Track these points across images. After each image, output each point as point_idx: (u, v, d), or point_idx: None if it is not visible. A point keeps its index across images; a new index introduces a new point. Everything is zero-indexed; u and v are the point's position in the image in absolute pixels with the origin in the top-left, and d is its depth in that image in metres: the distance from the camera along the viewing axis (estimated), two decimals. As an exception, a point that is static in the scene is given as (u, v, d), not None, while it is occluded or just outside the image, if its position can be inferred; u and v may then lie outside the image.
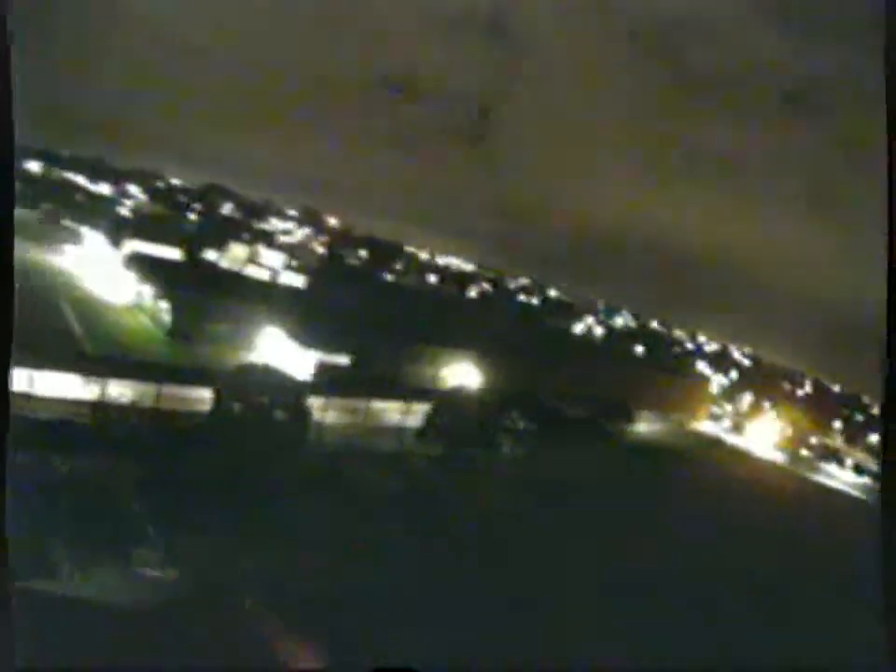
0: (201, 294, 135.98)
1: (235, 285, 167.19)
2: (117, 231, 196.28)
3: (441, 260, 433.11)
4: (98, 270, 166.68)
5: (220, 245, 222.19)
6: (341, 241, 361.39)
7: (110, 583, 56.68)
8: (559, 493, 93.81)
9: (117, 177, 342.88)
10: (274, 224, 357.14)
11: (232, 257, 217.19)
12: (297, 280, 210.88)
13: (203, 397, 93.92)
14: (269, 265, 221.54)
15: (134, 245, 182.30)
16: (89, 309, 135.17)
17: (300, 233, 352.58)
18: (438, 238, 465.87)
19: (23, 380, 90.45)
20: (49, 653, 36.28)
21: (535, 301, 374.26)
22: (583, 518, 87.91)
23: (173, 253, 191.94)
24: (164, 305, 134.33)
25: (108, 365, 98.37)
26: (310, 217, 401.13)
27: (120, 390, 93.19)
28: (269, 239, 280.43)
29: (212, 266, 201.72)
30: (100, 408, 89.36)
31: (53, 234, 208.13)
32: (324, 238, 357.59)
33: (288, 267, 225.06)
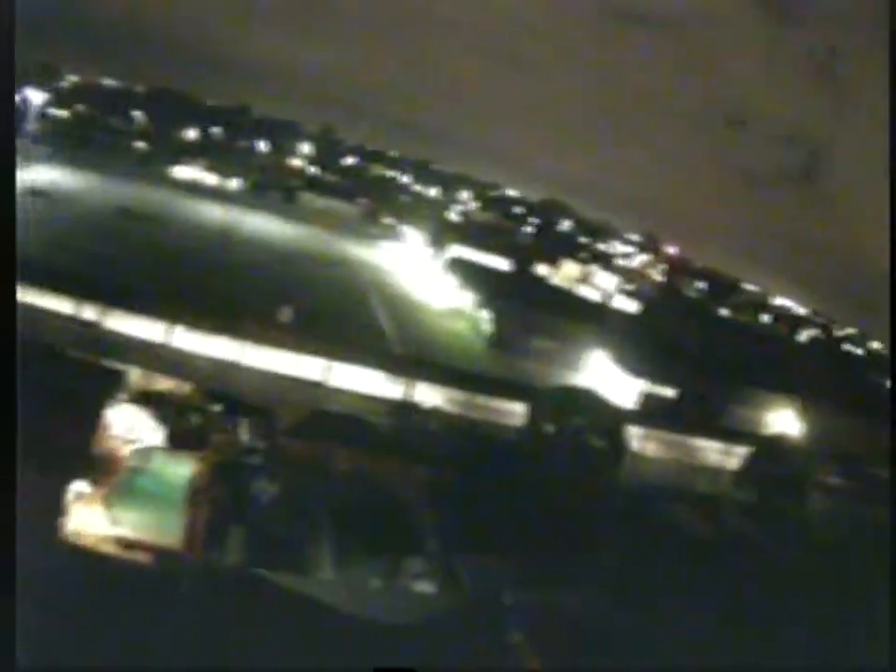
0: (527, 307, 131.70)
1: (565, 302, 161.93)
2: (442, 234, 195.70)
3: (776, 301, 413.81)
4: (417, 270, 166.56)
5: (553, 260, 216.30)
6: (679, 271, 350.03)
7: (372, 591, 55.10)
8: (863, 559, 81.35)
9: (445, 181, 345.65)
10: (612, 246, 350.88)
11: (564, 274, 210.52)
12: (630, 305, 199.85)
13: (514, 411, 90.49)
14: (602, 287, 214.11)
15: (460, 251, 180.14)
16: (403, 308, 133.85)
17: (637, 259, 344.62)
18: (773, 277, 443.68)
19: (320, 369, 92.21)
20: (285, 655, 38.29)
21: (858, 351, 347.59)
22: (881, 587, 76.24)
23: (501, 262, 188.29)
24: (486, 314, 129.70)
25: (417, 367, 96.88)
26: (649, 244, 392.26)
27: (427, 393, 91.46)
28: (605, 260, 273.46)
29: (543, 281, 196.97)
30: (400, 409, 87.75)
31: (371, 230, 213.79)
32: (662, 266, 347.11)
33: (622, 291, 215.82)
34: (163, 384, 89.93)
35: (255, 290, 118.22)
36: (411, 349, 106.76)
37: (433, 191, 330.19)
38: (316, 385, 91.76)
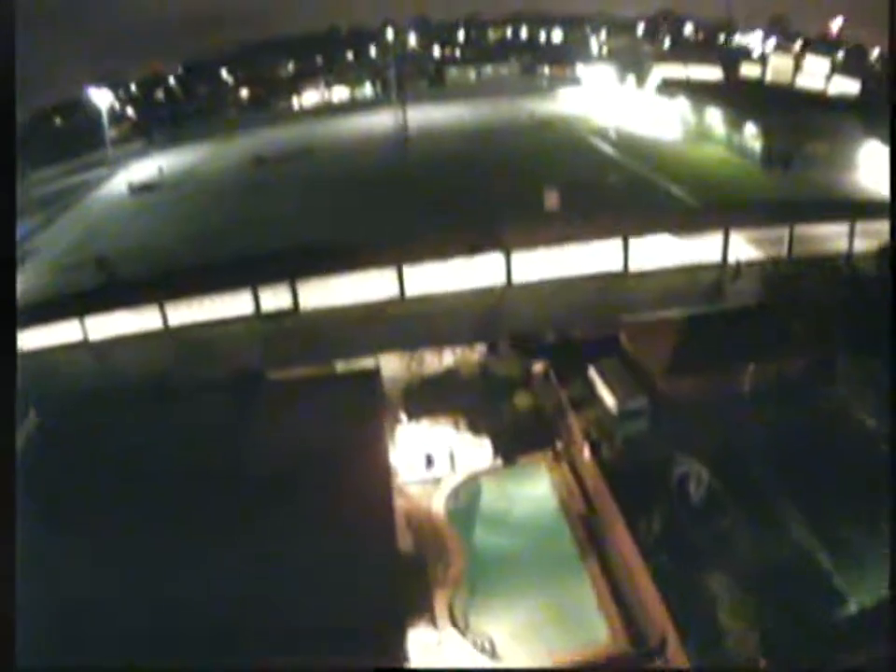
0: (779, 112, 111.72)
1: (807, 98, 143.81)
2: (640, 60, 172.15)
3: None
4: (627, 108, 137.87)
5: (762, 59, 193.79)
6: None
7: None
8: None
9: (563, 24, 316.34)
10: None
11: (777, 69, 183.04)
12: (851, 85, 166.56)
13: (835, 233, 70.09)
14: (818, 72, 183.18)
15: (664, 71, 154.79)
16: (649, 151, 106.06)
17: (769, 44, 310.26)
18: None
19: (620, 253, 66.48)
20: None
21: None
22: None
23: (713, 73, 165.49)
24: (744, 130, 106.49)
25: (723, 212, 74.20)
26: (779, 26, 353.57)
27: (741, 244, 69.01)
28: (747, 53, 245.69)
29: (764, 82, 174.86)
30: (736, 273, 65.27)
31: (539, 83, 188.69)
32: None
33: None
34: (438, 360, 58.31)
35: (478, 189, 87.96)
36: (694, 193, 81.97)
37: (556, 36, 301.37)
38: (641, 276, 65.97)
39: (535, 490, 46.92)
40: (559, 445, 49.79)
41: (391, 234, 71.01)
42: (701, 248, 68.46)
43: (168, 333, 64.45)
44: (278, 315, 63.13)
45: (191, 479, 42.63)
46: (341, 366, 55.41)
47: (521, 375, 55.95)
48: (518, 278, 64.56)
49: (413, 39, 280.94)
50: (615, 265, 66.20)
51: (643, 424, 48.99)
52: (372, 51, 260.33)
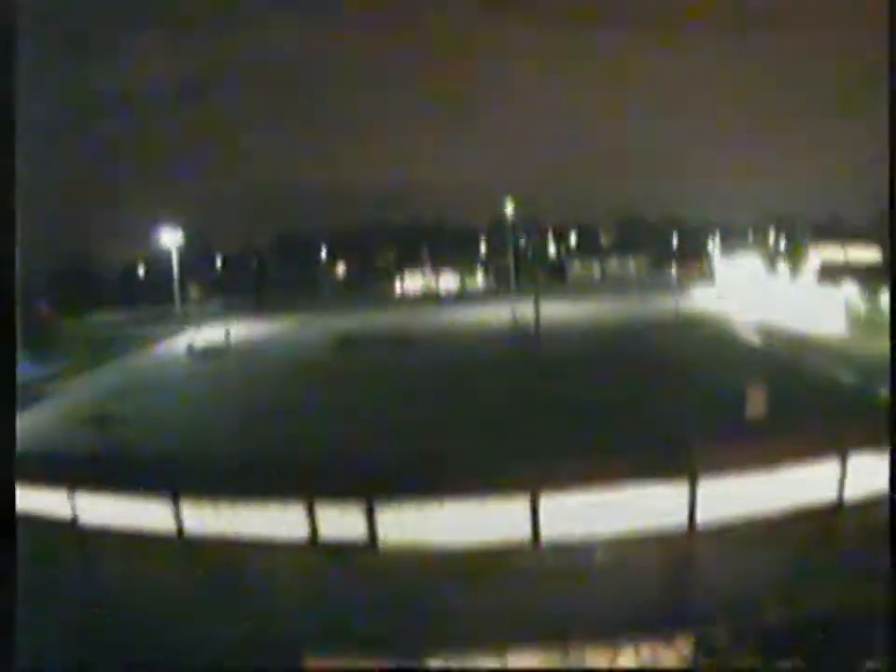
0: None
1: None
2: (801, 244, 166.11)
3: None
4: (777, 302, 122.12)
5: None
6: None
7: None
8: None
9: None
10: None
11: None
12: None
13: None
14: None
15: (827, 254, 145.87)
16: (819, 348, 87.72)
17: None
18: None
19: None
20: None
21: None
22: None
23: (870, 255, 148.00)
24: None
25: None
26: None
27: None
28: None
29: None
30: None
31: (669, 281, 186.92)
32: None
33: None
34: (608, 659, 34.02)
35: (632, 395, 67.31)
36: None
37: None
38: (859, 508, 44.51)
39: None
40: None
41: (520, 450, 50.40)
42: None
43: (181, 544, 44.81)
44: (345, 550, 42.17)
45: None
46: (438, 663, 33.39)
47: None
48: (706, 516, 42.66)
49: (524, 238, 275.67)
50: (825, 494, 44.49)
51: None
52: (482, 246, 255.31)
